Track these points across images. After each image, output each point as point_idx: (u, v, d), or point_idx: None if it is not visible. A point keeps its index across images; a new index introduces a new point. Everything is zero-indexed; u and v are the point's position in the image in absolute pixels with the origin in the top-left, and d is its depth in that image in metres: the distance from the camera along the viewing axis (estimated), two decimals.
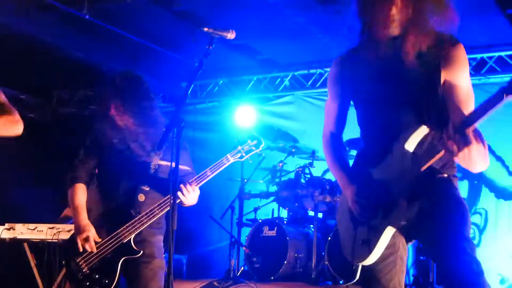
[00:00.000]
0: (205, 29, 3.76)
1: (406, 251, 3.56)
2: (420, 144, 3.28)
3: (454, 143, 2.99)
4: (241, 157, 4.69)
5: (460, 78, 3.27)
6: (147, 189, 4.55)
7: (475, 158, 3.02)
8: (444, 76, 3.35)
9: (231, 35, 3.82)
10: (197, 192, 4.52)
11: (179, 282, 7.46)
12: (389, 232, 3.37)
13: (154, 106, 4.69)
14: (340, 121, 3.78)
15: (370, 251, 3.38)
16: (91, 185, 4.70)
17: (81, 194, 4.63)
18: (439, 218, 3.26)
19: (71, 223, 7.16)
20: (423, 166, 3.25)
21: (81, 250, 4.49)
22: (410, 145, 3.29)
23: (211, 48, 3.78)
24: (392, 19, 3.38)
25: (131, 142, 4.60)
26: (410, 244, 3.59)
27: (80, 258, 4.52)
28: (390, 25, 3.39)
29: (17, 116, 4.28)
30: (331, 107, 3.77)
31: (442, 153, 3.13)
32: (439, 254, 3.26)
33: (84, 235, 4.46)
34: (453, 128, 3.02)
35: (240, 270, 8.03)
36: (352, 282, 3.57)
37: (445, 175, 3.38)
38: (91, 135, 4.75)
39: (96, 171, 4.72)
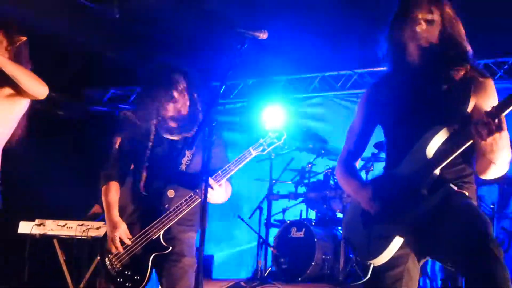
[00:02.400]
0: (238, 29, 3.77)
1: (417, 269, 3.54)
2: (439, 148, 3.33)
3: (485, 127, 3.00)
4: (263, 150, 4.63)
5: (490, 105, 3.28)
6: (177, 185, 4.54)
7: (502, 145, 3.08)
8: (474, 101, 3.41)
9: (263, 35, 3.82)
10: (223, 187, 4.51)
11: (207, 282, 7.48)
12: (398, 241, 3.39)
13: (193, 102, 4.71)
14: (362, 142, 3.84)
15: (385, 247, 3.39)
16: (125, 182, 4.71)
17: (114, 192, 4.64)
18: (455, 226, 3.22)
19: (99, 220, 7.22)
20: (438, 167, 3.28)
21: (111, 247, 4.51)
22: (430, 150, 3.33)
23: (243, 48, 3.79)
24: (424, 42, 3.43)
25: (164, 139, 4.61)
26: (422, 261, 3.58)
27: (112, 255, 4.54)
28: (421, 48, 3.44)
29: (43, 82, 4.39)
30: (356, 126, 3.83)
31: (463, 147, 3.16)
32: (461, 261, 3.21)
33: (115, 233, 4.48)
34: (486, 113, 3.05)
35: (268, 271, 8.03)
36: (363, 280, 3.55)
37: (459, 188, 3.37)
38: (124, 133, 4.76)
39: (132, 166, 4.73)
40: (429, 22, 3.44)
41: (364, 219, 3.53)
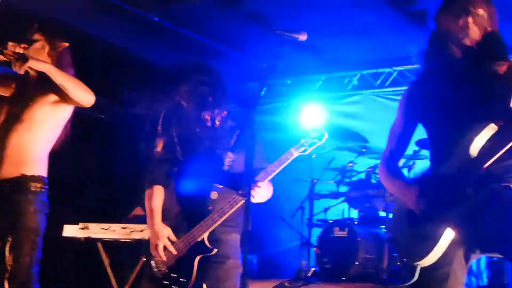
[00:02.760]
0: (277, 31, 3.76)
1: (463, 267, 3.50)
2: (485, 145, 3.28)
3: None
4: (305, 150, 4.60)
5: None
6: (221, 186, 4.54)
7: None
8: None
9: (302, 37, 3.81)
10: (266, 188, 4.50)
11: (251, 282, 7.40)
12: (449, 233, 3.35)
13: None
14: (403, 142, 3.80)
15: (431, 248, 3.35)
16: (169, 184, 4.71)
17: (158, 196, 4.64)
18: (504, 219, 3.21)
19: (140, 222, 7.25)
20: (485, 164, 3.23)
21: (153, 254, 4.53)
22: (475, 147, 3.28)
23: (282, 49, 3.78)
24: (468, 36, 3.40)
25: (207, 139, 4.62)
26: (472, 259, 3.54)
27: (158, 258, 4.56)
28: (465, 42, 3.42)
29: (89, 89, 4.43)
30: (398, 127, 3.79)
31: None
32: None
33: (158, 241, 4.49)
34: None
35: (311, 271, 8.01)
36: (410, 282, 3.52)
37: (509, 184, 3.33)
38: (166, 135, 4.77)
39: (175, 168, 4.73)
40: (477, 16, 3.41)
41: (410, 219, 3.49)
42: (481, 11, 3.42)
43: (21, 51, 4.51)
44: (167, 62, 9.60)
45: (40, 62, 4.39)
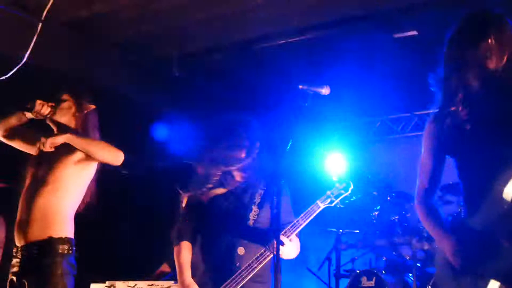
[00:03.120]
0: (300, 86, 3.78)
1: None
2: None
3: None
4: (331, 202, 4.60)
5: None
6: (246, 242, 4.51)
7: None
8: None
9: (325, 91, 3.84)
10: (293, 242, 4.47)
11: None
12: (493, 285, 3.26)
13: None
14: (435, 177, 3.68)
15: None
16: (196, 240, 4.69)
17: (186, 252, 4.62)
18: None
19: (167, 279, 7.22)
20: None
21: None
22: (508, 194, 3.18)
23: (306, 105, 3.80)
24: (487, 68, 3.33)
25: (231, 195, 4.61)
26: None
27: None
28: (485, 73, 3.34)
29: (116, 148, 4.44)
30: (426, 163, 3.67)
31: None
32: None
33: None
34: None
35: None
36: None
37: None
38: (190, 190, 4.76)
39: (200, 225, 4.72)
40: (493, 48, 3.36)
41: (452, 270, 3.41)
42: (497, 41, 3.32)
43: (48, 110, 4.57)
44: (190, 117, 9.66)
45: (58, 137, 4.46)
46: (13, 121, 4.71)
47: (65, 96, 4.69)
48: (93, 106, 4.74)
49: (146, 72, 8.47)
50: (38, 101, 4.57)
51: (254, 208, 4.55)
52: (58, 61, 7.68)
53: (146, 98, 9.43)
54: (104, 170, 4.90)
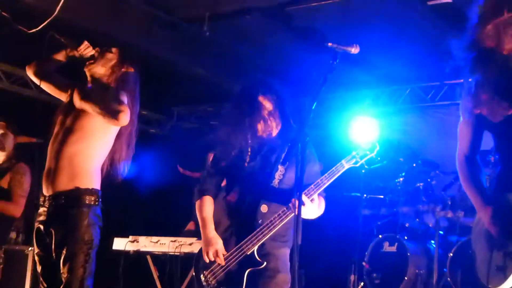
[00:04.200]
0: (329, 44, 3.77)
1: None
2: None
3: None
4: (356, 162, 4.55)
5: None
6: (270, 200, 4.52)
7: None
8: None
9: (355, 50, 3.82)
10: (316, 202, 4.48)
11: None
12: None
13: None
14: (475, 144, 3.68)
15: (505, 277, 3.26)
16: (218, 197, 4.72)
17: (208, 206, 4.65)
18: None
19: (192, 236, 7.28)
20: None
21: (207, 262, 4.53)
22: None
23: (334, 64, 3.79)
24: None
25: (258, 154, 4.62)
26: None
27: (207, 271, 4.55)
28: None
29: (126, 109, 4.42)
30: (465, 131, 3.68)
31: None
32: None
33: (211, 248, 4.49)
34: None
35: (360, 286, 7.96)
36: None
37: None
38: (217, 149, 4.79)
39: (224, 183, 4.75)
40: None
41: (487, 239, 3.40)
42: None
43: (92, 52, 4.60)
44: (218, 77, 9.66)
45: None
46: (53, 57, 4.73)
47: (113, 49, 4.71)
48: (131, 69, 4.74)
49: (176, 31, 8.45)
50: (86, 42, 4.60)
51: (280, 167, 4.56)
52: (87, 18, 7.70)
53: (175, 58, 9.44)
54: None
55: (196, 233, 7.42)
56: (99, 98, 4.50)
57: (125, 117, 4.44)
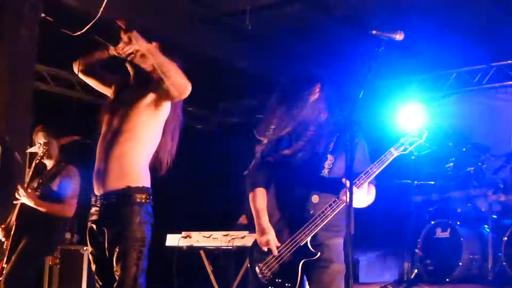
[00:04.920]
0: (373, 31, 3.75)
1: None
2: None
3: None
4: (405, 149, 4.49)
5: None
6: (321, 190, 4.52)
7: None
8: None
9: (399, 36, 3.79)
10: (365, 190, 4.46)
11: (354, 286, 7.43)
12: None
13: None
14: None
15: None
16: (270, 189, 4.73)
17: (261, 198, 4.66)
18: None
19: (246, 230, 7.30)
20: None
21: (262, 251, 4.55)
22: None
23: (379, 51, 3.77)
24: None
25: (306, 144, 4.61)
26: None
27: (262, 264, 4.57)
28: None
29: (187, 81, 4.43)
30: None
31: None
32: None
33: (265, 239, 4.51)
34: None
35: (414, 273, 7.92)
36: None
37: None
38: (264, 141, 4.79)
39: (275, 173, 4.74)
40: None
41: None
42: None
43: (131, 49, 4.56)
44: (262, 70, 9.67)
45: (143, 41, 4.43)
46: (95, 55, 4.76)
47: (154, 43, 4.70)
48: (175, 63, 4.73)
49: (218, 26, 8.48)
50: (125, 39, 4.58)
51: (330, 157, 4.55)
52: (129, 16, 7.75)
53: (218, 52, 9.47)
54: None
55: (248, 227, 7.45)
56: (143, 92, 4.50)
57: (189, 89, 4.44)
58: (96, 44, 4.70)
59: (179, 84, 4.43)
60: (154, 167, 4.71)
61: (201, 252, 7.78)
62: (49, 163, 6.84)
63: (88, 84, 4.95)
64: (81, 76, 4.84)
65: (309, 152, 4.59)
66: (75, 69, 4.85)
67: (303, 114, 4.62)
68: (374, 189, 4.60)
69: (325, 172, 4.54)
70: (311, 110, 4.62)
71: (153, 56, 4.41)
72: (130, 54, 4.61)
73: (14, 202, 6.66)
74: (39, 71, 9.81)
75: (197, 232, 7.55)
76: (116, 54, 4.64)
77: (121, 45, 4.54)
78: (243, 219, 8.21)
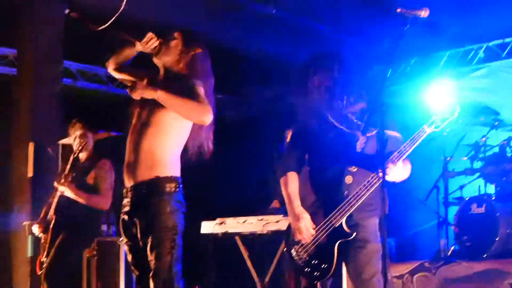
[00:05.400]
0: (398, 10, 3.73)
1: None
2: None
3: None
4: (437, 126, 4.47)
5: None
6: (355, 170, 4.47)
7: None
8: None
9: (424, 13, 3.77)
10: (401, 167, 4.43)
11: (391, 265, 7.41)
12: None
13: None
14: None
15: None
16: (302, 172, 4.73)
17: (293, 182, 4.67)
18: None
19: (279, 214, 7.31)
20: None
21: (297, 238, 4.56)
22: None
23: (405, 29, 3.75)
24: None
25: (337, 125, 4.60)
26: None
27: (298, 246, 4.59)
28: None
29: (206, 107, 4.42)
30: None
31: None
32: None
33: (299, 223, 4.52)
34: None
35: (451, 250, 7.90)
36: None
37: None
38: (295, 125, 4.80)
39: (306, 157, 4.75)
40: None
41: None
42: None
43: (155, 44, 4.62)
44: (287, 55, 9.64)
45: (150, 91, 4.47)
46: (124, 53, 4.80)
47: (175, 34, 4.73)
48: (199, 50, 4.73)
49: (242, 12, 8.46)
50: (149, 33, 4.62)
51: (361, 137, 4.54)
52: (152, 8, 7.78)
53: (243, 39, 9.46)
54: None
55: (281, 211, 7.46)
56: (176, 92, 4.51)
57: (209, 116, 4.46)
58: (122, 41, 4.73)
59: (196, 121, 4.50)
60: (190, 155, 4.74)
61: (237, 238, 7.80)
62: (82, 156, 6.92)
63: (116, 79, 5.01)
64: (114, 74, 4.91)
65: (340, 133, 4.59)
66: (109, 69, 4.91)
67: (333, 95, 4.62)
68: (410, 165, 4.58)
69: (358, 149, 4.53)
70: (340, 91, 4.62)
71: (164, 103, 4.45)
72: (155, 48, 4.65)
73: (51, 197, 6.75)
74: (67, 67, 9.90)
75: (232, 218, 7.58)
76: (142, 50, 4.68)
77: (144, 40, 4.59)
78: (275, 204, 8.22)
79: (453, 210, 8.05)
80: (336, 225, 4.43)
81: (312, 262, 4.54)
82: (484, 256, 7.34)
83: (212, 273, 7.58)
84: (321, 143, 4.61)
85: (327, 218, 4.46)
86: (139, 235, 4.46)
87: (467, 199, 7.90)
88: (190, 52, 4.68)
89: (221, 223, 7.57)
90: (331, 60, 4.68)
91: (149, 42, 4.60)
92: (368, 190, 4.38)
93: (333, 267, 4.47)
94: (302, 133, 4.72)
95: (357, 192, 4.39)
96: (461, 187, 8.44)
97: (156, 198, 4.44)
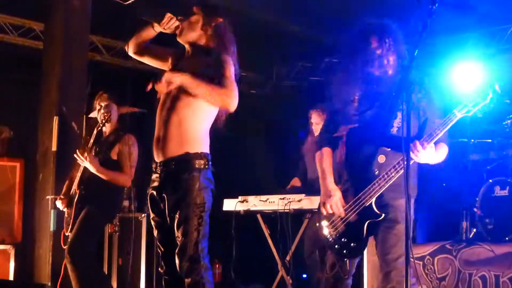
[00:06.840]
0: None
1: None
2: None
3: None
4: (468, 111, 4.41)
5: None
6: (388, 150, 4.47)
7: None
8: None
9: None
10: (431, 150, 4.36)
11: (414, 247, 7.40)
12: None
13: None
14: None
15: None
16: (337, 147, 4.72)
17: (327, 158, 4.67)
18: None
19: (298, 193, 7.31)
20: None
21: (328, 214, 4.56)
22: None
23: (434, 7, 3.72)
24: None
25: (374, 101, 4.57)
26: None
27: (328, 223, 4.59)
28: None
29: (233, 92, 4.40)
30: None
31: None
32: None
33: (330, 200, 4.52)
34: None
35: (473, 232, 7.86)
36: None
37: None
38: (332, 100, 4.77)
39: (341, 134, 4.73)
40: None
41: None
42: None
43: (176, 24, 4.61)
44: (315, 33, 9.59)
45: (175, 77, 4.46)
46: (143, 35, 4.79)
47: (194, 9, 4.71)
48: (220, 19, 4.71)
49: None
50: (168, 14, 4.60)
51: (399, 114, 4.49)
52: None
53: (270, 16, 9.42)
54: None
55: (302, 190, 7.47)
56: (207, 70, 4.49)
57: (234, 103, 4.43)
58: (141, 21, 4.72)
59: (221, 106, 4.47)
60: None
61: (258, 216, 7.83)
62: (106, 130, 6.88)
63: None
64: (135, 57, 4.90)
65: (377, 109, 4.56)
66: (129, 52, 4.90)
67: (371, 68, 4.58)
68: (445, 148, 4.55)
69: (393, 130, 4.50)
70: (379, 63, 4.58)
71: (190, 88, 4.42)
72: (175, 28, 4.63)
73: (74, 171, 6.76)
74: (93, 42, 9.92)
75: (254, 196, 7.59)
76: (162, 31, 4.67)
77: (164, 21, 4.58)
78: (295, 181, 8.23)
79: (476, 192, 8.00)
80: (366, 205, 4.42)
81: (342, 240, 4.55)
82: (507, 239, 7.30)
83: (233, 251, 7.58)
84: (355, 122, 4.59)
85: (357, 197, 4.46)
86: (167, 211, 4.47)
87: (490, 181, 7.84)
88: (212, 23, 4.66)
89: (243, 201, 7.60)
90: (372, 31, 4.64)
91: (169, 23, 4.60)
92: (398, 172, 4.35)
93: (363, 246, 4.48)
94: (338, 110, 4.69)
95: (386, 173, 4.38)
96: (486, 169, 8.38)
97: (185, 174, 4.44)
